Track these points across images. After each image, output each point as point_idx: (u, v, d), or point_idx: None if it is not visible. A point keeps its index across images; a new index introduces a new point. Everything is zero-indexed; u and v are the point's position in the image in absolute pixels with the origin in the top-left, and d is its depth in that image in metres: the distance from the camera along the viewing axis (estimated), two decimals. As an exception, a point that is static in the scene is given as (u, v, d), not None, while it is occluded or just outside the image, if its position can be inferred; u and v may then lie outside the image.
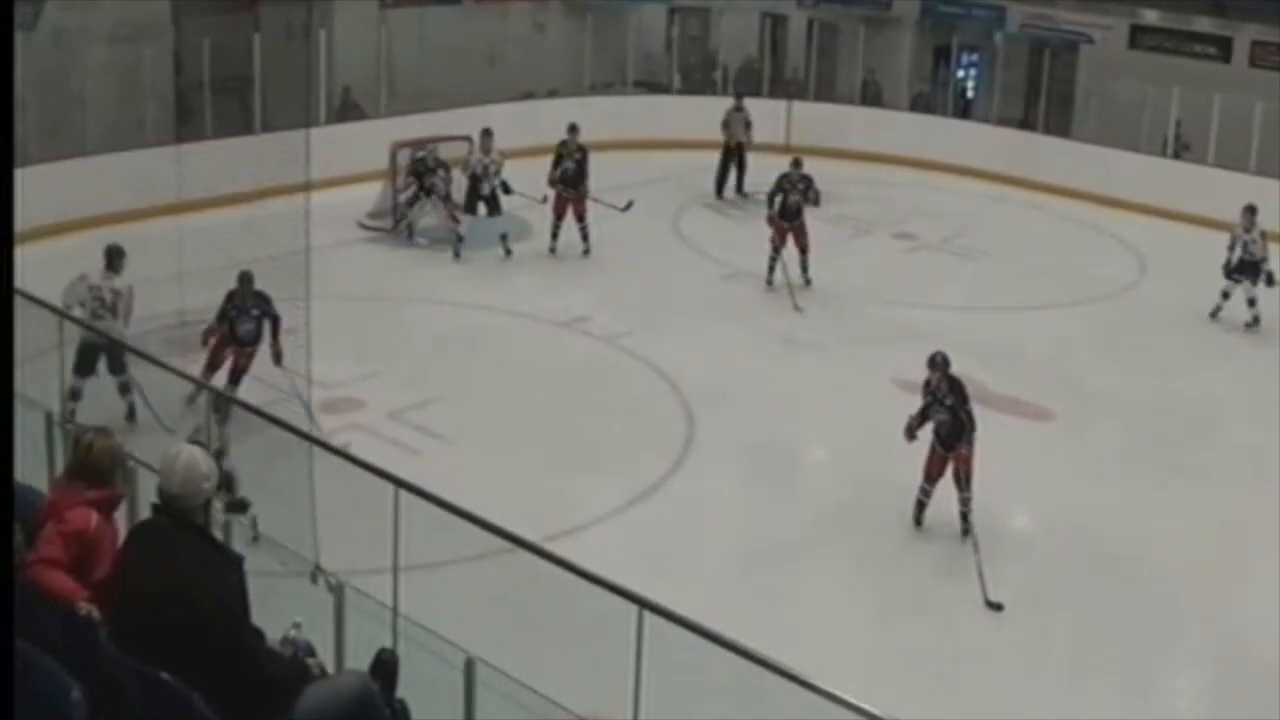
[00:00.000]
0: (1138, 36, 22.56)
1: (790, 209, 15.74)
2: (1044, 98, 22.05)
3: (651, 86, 24.03)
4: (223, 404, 8.90)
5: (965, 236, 18.14)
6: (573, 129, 16.72)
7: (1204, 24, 21.98)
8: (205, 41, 18.00)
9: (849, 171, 20.83)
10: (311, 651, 4.74)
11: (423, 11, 20.92)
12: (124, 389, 10.88)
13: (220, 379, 11.07)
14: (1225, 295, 15.41)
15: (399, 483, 6.59)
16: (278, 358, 11.18)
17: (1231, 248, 15.37)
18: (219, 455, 8.17)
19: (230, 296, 11.45)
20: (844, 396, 12.72)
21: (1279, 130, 18.79)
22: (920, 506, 10.41)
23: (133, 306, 11.08)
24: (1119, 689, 8.55)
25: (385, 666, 5.04)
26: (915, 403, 12.70)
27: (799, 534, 10.25)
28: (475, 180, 16.33)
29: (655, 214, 17.81)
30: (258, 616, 4.30)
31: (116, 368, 10.78)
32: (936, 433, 10.23)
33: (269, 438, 7.43)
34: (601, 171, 17.78)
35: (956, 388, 10.23)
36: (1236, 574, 10.01)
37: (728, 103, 20.50)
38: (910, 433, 10.21)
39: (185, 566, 4.08)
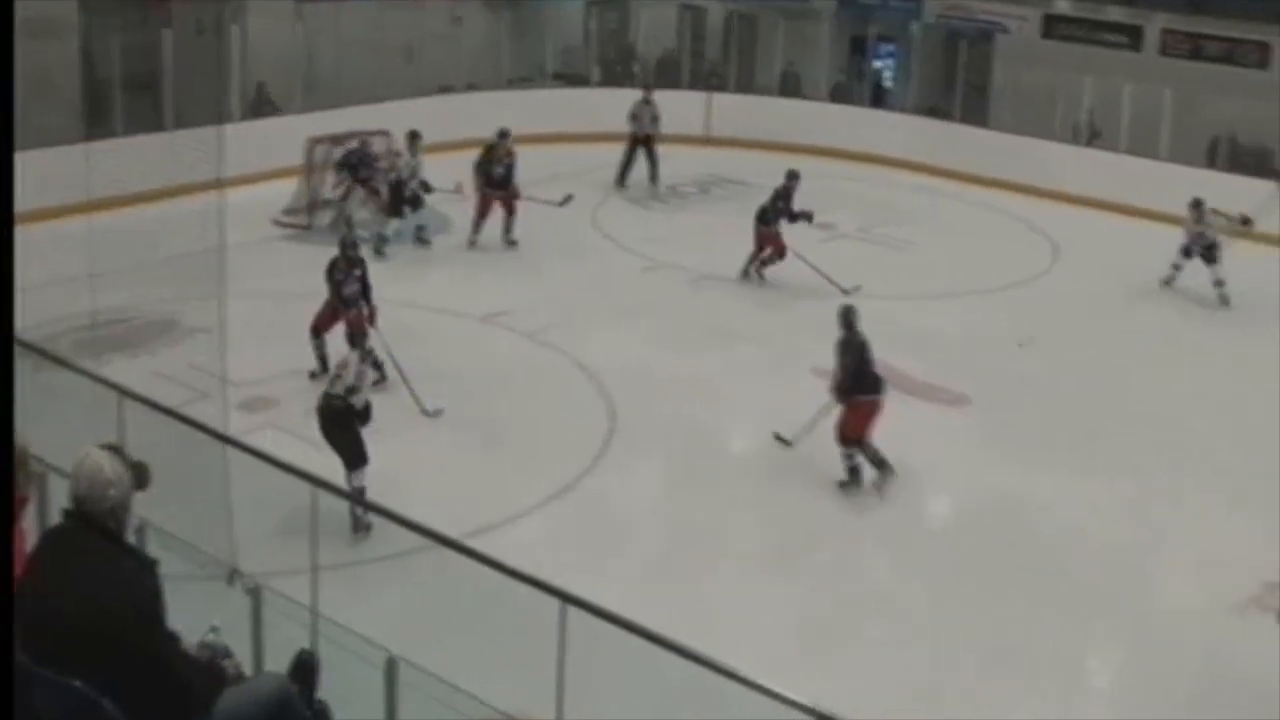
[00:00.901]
0: (1051, 26, 22.88)
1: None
2: (960, 87, 22.28)
3: (570, 80, 23.98)
4: (364, 351, 10.28)
5: (883, 226, 18.29)
6: (503, 134, 16.61)
7: (1115, 13, 22.32)
8: (114, 38, 17.69)
9: (768, 162, 20.90)
10: (228, 653, 4.68)
11: (338, 6, 20.69)
12: None
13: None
14: (1177, 267, 16.00)
15: (317, 482, 6.53)
16: (372, 316, 12.15)
17: (1187, 249, 15.92)
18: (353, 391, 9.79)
19: (333, 264, 12.57)
20: (765, 386, 12.77)
21: (1188, 117, 19.15)
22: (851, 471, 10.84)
23: None
24: (1034, 670, 8.65)
25: (305, 668, 4.99)
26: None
27: (722, 525, 10.27)
28: (400, 184, 16.21)
29: (575, 208, 17.75)
30: (173, 621, 4.23)
31: None
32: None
33: (182, 437, 7.31)
34: (521, 166, 17.70)
35: (849, 345, 10.89)
36: (1150, 555, 10.17)
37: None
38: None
39: (96, 572, 4.00)
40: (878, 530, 10.33)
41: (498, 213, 16.63)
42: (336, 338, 11.96)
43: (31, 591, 4.08)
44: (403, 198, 16.23)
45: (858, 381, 10.85)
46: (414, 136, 16.25)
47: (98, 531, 4.07)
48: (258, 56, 19.68)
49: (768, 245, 15.67)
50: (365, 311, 12.23)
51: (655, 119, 19.92)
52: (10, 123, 4.29)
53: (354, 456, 9.61)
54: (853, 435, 10.80)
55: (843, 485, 10.80)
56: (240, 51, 19.02)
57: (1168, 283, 16.17)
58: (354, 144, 16.93)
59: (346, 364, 10.07)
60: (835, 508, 10.60)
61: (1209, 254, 15.85)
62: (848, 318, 11.06)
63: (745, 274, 15.79)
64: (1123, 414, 12.61)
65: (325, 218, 16.88)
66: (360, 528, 9.16)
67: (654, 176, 19.94)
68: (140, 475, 4.24)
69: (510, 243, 16.59)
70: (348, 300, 12.38)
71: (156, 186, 15.96)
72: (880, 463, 10.78)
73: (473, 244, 16.46)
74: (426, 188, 16.24)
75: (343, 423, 9.70)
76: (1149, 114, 19.55)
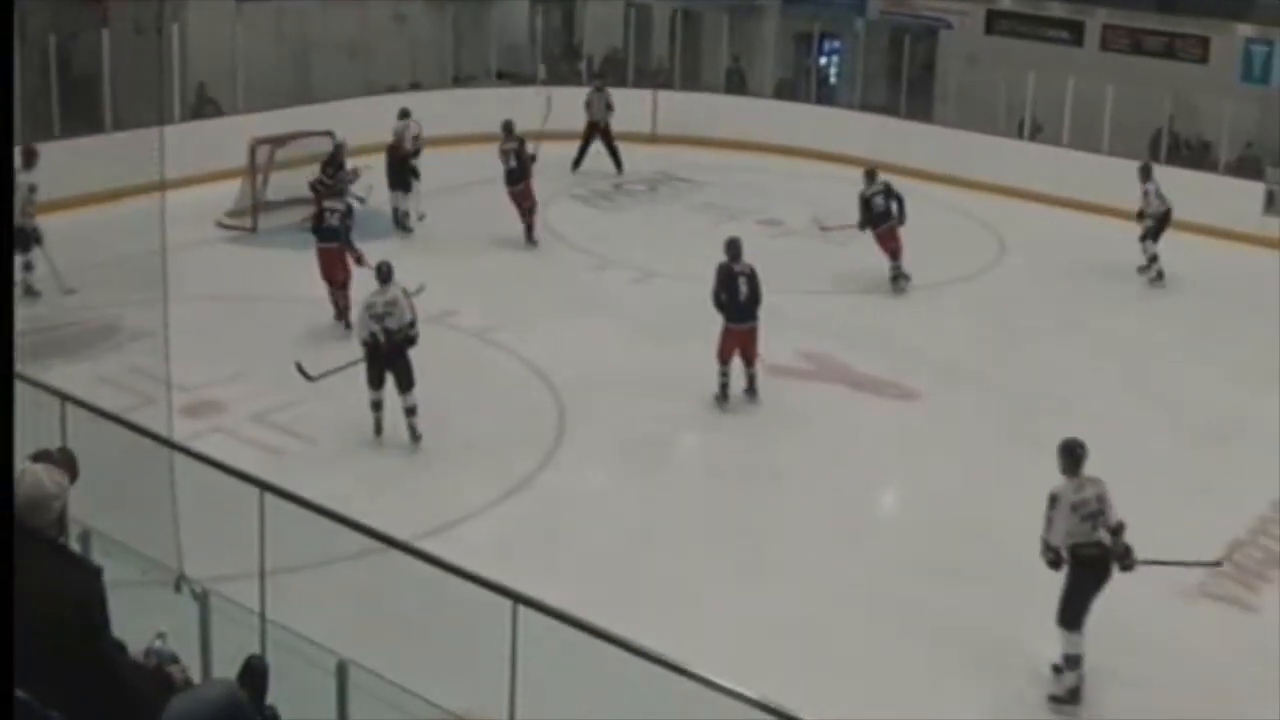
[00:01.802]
0: (994, 22, 23.06)
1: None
2: (905, 83, 22.39)
3: (515, 78, 23.90)
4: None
5: (830, 222, 18.33)
6: (506, 126, 16.90)
7: (1057, 9, 22.54)
8: (51, 38, 17.45)
9: (715, 159, 20.99)
10: (174, 659, 4.62)
11: (279, 5, 20.51)
12: (26, 267, 13.47)
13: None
14: (1154, 258, 16.14)
15: (264, 485, 6.47)
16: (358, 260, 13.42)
17: (1141, 213, 16.10)
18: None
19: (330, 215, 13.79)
20: (714, 382, 12.77)
21: (1130, 111, 19.34)
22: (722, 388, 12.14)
23: (33, 201, 13.45)
24: (987, 661, 8.70)
25: (254, 673, 4.95)
26: (783, 386, 12.90)
27: (671, 524, 10.27)
28: (405, 157, 16.87)
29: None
30: (120, 628, 4.17)
31: (21, 247, 13.19)
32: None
33: (126, 443, 7.22)
34: (467, 164, 17.67)
35: (718, 272, 12.18)
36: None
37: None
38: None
39: (40, 581, 3.93)
40: (830, 524, 10.34)
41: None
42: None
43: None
44: (411, 170, 16.89)
45: (726, 309, 12.13)
46: (406, 113, 17.07)
47: (42, 541, 4.01)
48: (198, 56, 19.47)
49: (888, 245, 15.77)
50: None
51: (608, 107, 20.32)
52: (10, 122, 4.22)
53: (410, 380, 11.21)
54: (720, 355, 12.16)
55: (716, 399, 12.20)
56: (180, 51, 18.80)
57: (1145, 270, 16.31)
58: (339, 138, 16.62)
59: (396, 301, 11.24)
60: (785, 503, 10.62)
61: (1162, 225, 16.02)
62: (732, 248, 12.31)
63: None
64: (1071, 405, 12.70)
65: (278, 219, 16.71)
66: (416, 438, 11.17)
67: (618, 165, 20.34)
68: (71, 466, 4.18)
69: (531, 243, 16.87)
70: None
71: (96, 189, 15.80)
72: (724, 386, 12.20)
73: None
74: (415, 172, 16.94)
75: (403, 352, 11.18)
76: (1091, 108, 19.73)
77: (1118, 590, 9.50)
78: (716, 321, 12.95)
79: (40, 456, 4.23)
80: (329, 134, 17.09)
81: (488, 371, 12.99)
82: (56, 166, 14.44)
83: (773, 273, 16.02)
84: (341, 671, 5.65)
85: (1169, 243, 16.24)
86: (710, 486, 10.92)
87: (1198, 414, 12.61)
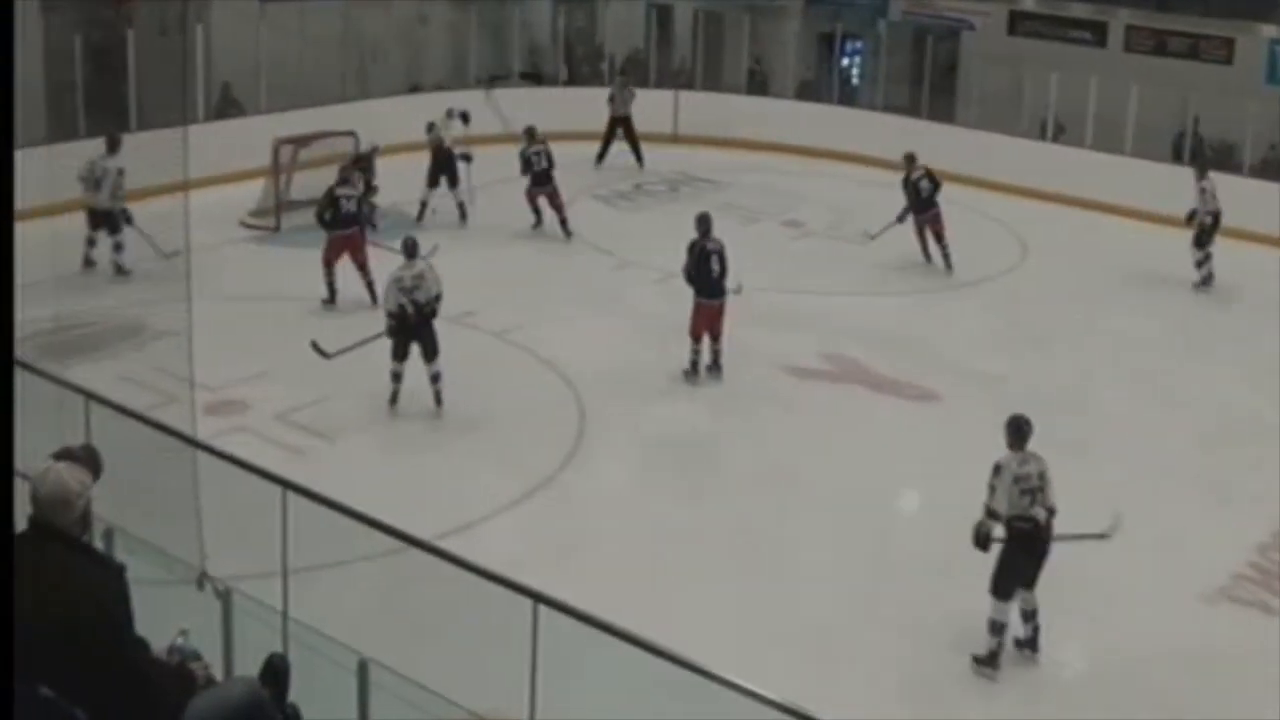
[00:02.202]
0: (1016, 22, 22.98)
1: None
2: (927, 84, 22.34)
3: (537, 78, 23.93)
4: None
5: (851, 223, 18.31)
6: (529, 131, 17.19)
7: (1080, 10, 22.46)
8: (76, 38, 17.56)
9: (736, 160, 20.98)
10: (197, 656, 4.64)
11: (303, 5, 20.58)
12: (116, 248, 14.53)
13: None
14: (1202, 262, 16.02)
15: (287, 484, 6.50)
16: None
17: (1194, 213, 15.90)
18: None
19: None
20: (734, 384, 12.78)
21: (1153, 113, 19.26)
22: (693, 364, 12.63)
23: (122, 184, 14.32)
24: (1007, 663, 8.67)
25: (276, 671, 4.96)
26: (806, 389, 12.91)
27: (691, 524, 10.27)
28: (448, 155, 17.20)
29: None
30: (143, 625, 4.19)
31: (110, 229, 14.45)
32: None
33: (150, 442, 7.27)
34: (488, 165, 17.69)
35: (690, 249, 12.53)
36: (1121, 547, 10.18)
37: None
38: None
39: (63, 579, 3.96)
40: (849, 527, 10.33)
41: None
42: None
43: (-1, 601, 4.04)
44: (444, 168, 17.19)
45: (696, 285, 12.52)
46: (465, 116, 17.44)
47: (64, 539, 4.04)
48: (222, 57, 19.54)
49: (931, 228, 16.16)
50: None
51: (629, 100, 20.61)
52: (10, 123, 4.25)
53: (436, 349, 11.79)
54: (692, 332, 12.56)
55: (686, 374, 12.65)
56: (204, 52, 18.89)
57: (1204, 283, 16.15)
58: (364, 149, 17.10)
59: (423, 275, 11.81)
60: (805, 503, 10.60)
61: (1214, 228, 15.87)
62: (703, 224, 12.72)
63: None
64: (1091, 408, 12.68)
65: (301, 218, 16.82)
66: (440, 403, 11.77)
67: (639, 158, 20.55)
68: (94, 462, 4.20)
69: (567, 234, 17.17)
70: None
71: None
72: (695, 363, 12.61)
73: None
74: (467, 157, 17.23)
75: (429, 323, 11.75)
76: (1114, 110, 19.66)
77: (1138, 592, 9.52)
78: (738, 320, 13.00)
79: (63, 455, 4.25)
80: (351, 134, 17.19)
81: (508, 371, 13.00)
82: (81, 166, 14.55)
83: (793, 274, 16.14)
84: (363, 670, 5.67)
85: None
86: (731, 487, 10.91)
87: (1218, 417, 12.56)
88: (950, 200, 18.78)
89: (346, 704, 5.68)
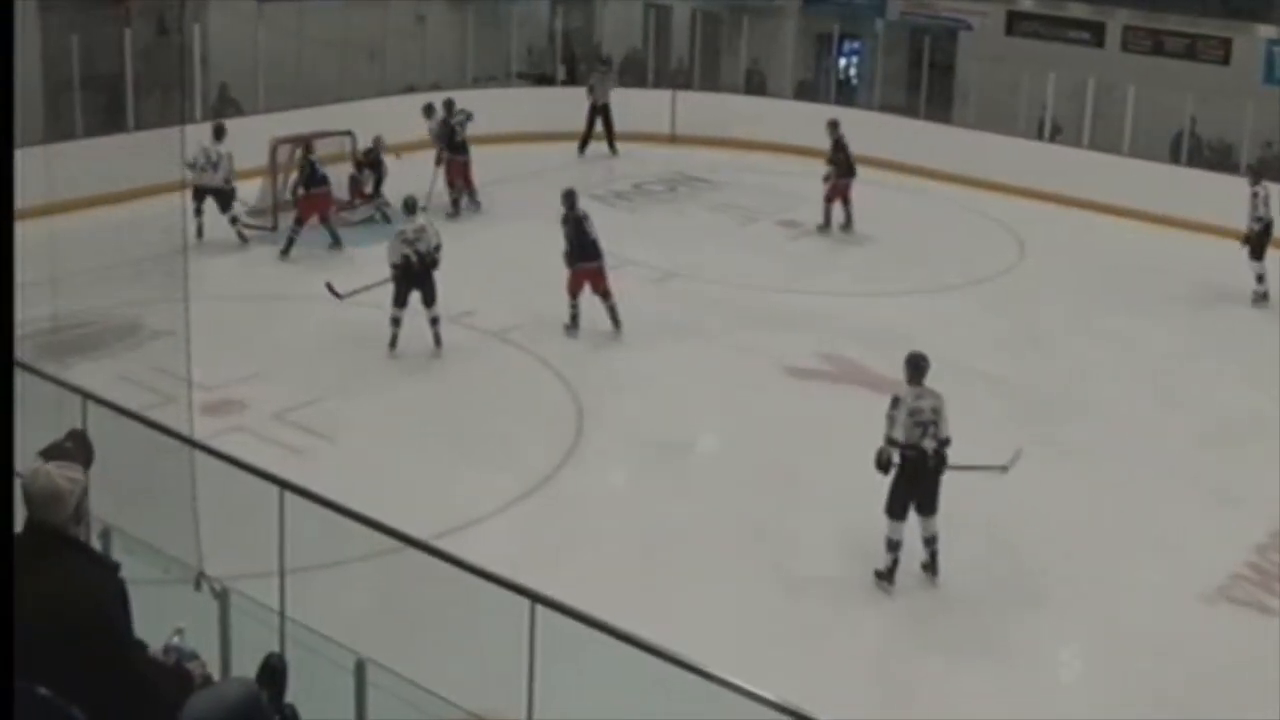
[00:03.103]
0: (1014, 23, 22.98)
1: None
2: (924, 84, 22.34)
3: (535, 78, 23.93)
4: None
5: (849, 222, 18.31)
6: (448, 104, 17.96)
7: (1077, 10, 22.46)
8: (73, 38, 17.54)
9: (734, 160, 20.98)
10: (194, 655, 4.63)
11: (301, 5, 20.56)
12: (233, 221, 16.30)
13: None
14: (1261, 276, 15.73)
15: (284, 484, 6.48)
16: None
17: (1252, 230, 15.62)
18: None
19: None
20: (732, 384, 12.78)
21: (1151, 113, 19.26)
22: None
23: (232, 167, 16.08)
24: (1003, 663, 8.68)
25: (273, 671, 4.96)
26: (804, 388, 12.91)
27: (689, 525, 10.25)
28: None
29: (540, 207, 17.71)
30: (140, 625, 4.18)
31: (223, 207, 16.10)
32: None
33: (147, 441, 7.25)
34: (486, 165, 17.71)
35: (566, 221, 13.80)
36: (1118, 547, 10.22)
37: (613, 93, 20.63)
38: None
39: (60, 578, 3.95)
40: (845, 527, 10.32)
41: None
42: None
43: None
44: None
45: (576, 251, 13.63)
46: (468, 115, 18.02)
47: (61, 539, 4.02)
48: (219, 56, 19.54)
49: None
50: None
51: (609, 90, 21.03)
52: (10, 123, 4.23)
53: (435, 295, 13.03)
54: (570, 291, 13.69)
55: (566, 328, 13.75)
56: (202, 51, 18.88)
57: (1264, 297, 15.82)
58: (369, 145, 17.62)
59: (424, 229, 13.06)
60: (804, 505, 10.59)
61: (1265, 235, 15.66)
62: (568, 200, 13.89)
63: None
64: (1091, 408, 12.68)
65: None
66: (439, 343, 13.08)
67: (611, 145, 20.98)
68: (85, 450, 4.17)
69: (475, 204, 17.73)
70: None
71: (118, 188, 15.87)
72: (575, 316, 13.75)
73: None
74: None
75: (430, 272, 12.96)
76: (1112, 110, 19.66)
77: (1137, 592, 9.52)
78: (736, 321, 13.01)
79: (52, 452, 4.23)
80: (349, 134, 17.19)
81: (506, 371, 13.00)
82: (78, 166, 14.51)
83: (791, 274, 16.13)
84: (360, 670, 5.66)
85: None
86: (729, 487, 10.89)
87: (1217, 417, 12.56)
88: (947, 200, 18.88)
89: (344, 704, 5.67)
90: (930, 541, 9.43)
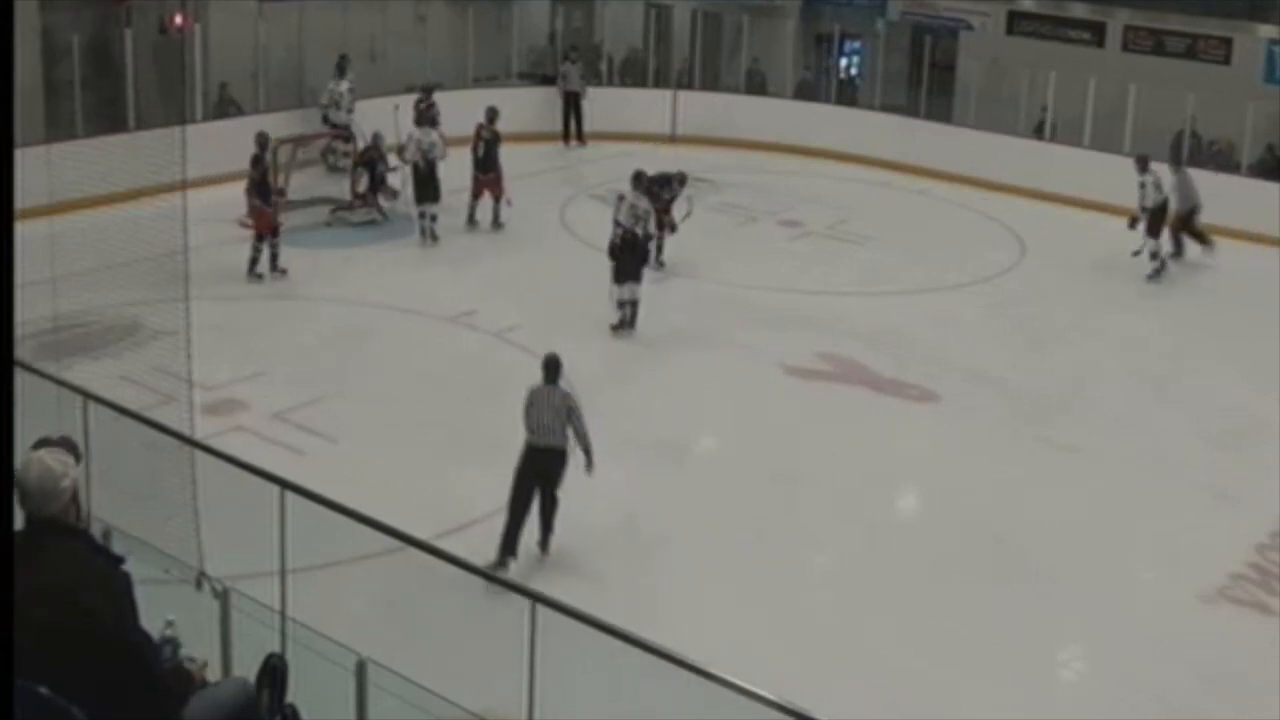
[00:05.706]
0: (1015, 22, 22.97)
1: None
2: (925, 84, 22.33)
3: (536, 78, 23.92)
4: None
5: (850, 222, 18.33)
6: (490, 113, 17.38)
7: (1078, 9, 22.45)
8: (74, 38, 17.53)
9: (734, 160, 20.97)
10: (180, 645, 4.61)
11: (301, 5, 20.56)
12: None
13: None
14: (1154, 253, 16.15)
15: (284, 484, 6.48)
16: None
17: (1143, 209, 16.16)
18: None
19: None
20: (733, 385, 12.78)
21: (1151, 113, 19.25)
22: None
23: (353, 104, 18.50)
24: (1006, 663, 8.68)
25: (274, 671, 4.95)
26: (804, 388, 12.90)
27: (690, 524, 10.25)
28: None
29: (542, 205, 17.76)
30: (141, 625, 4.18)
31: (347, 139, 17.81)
32: None
33: (148, 441, 7.25)
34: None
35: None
36: (1119, 547, 10.22)
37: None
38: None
39: (68, 567, 3.93)
40: (848, 527, 10.33)
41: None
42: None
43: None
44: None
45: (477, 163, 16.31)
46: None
47: (63, 529, 4.01)
48: (220, 56, 19.53)
49: None
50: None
51: (582, 77, 21.69)
52: (10, 122, 4.23)
53: (438, 195, 16.13)
54: (473, 194, 16.55)
55: (467, 222, 16.46)
56: (202, 52, 18.87)
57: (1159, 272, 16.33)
58: (367, 143, 17.56)
59: (435, 143, 16.40)
60: (805, 504, 10.59)
61: (1161, 213, 16.11)
62: (491, 112, 16.58)
63: None
64: (1091, 408, 12.68)
65: (299, 218, 16.92)
66: (435, 238, 16.25)
67: (579, 133, 21.55)
68: (72, 451, 4.17)
69: (498, 225, 17.29)
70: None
71: (119, 188, 15.83)
72: (473, 213, 16.66)
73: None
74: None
75: (435, 173, 16.17)
76: (1112, 109, 19.65)
77: (1137, 593, 9.52)
78: (736, 321, 12.98)
79: (39, 445, 4.23)
80: (348, 133, 17.20)
81: (505, 371, 12.96)
82: (78, 166, 14.49)
83: (792, 274, 16.13)
84: (361, 670, 5.66)
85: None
86: (729, 487, 10.89)
87: (1218, 416, 12.56)
88: (948, 200, 18.87)
89: (345, 704, 5.67)
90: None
